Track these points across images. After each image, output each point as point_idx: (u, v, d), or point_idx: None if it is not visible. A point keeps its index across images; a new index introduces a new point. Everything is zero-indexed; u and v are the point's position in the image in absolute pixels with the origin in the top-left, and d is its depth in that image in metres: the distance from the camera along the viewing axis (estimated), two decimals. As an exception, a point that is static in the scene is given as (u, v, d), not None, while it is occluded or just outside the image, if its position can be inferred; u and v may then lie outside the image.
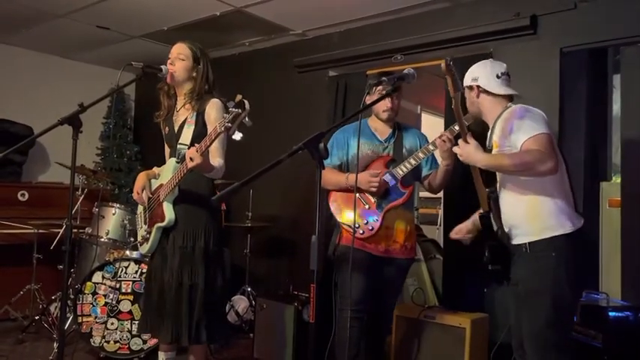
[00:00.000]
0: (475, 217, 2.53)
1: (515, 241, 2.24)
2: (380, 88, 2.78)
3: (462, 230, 2.61)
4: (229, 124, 2.21)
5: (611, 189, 3.30)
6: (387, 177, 2.87)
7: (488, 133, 2.41)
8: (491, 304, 3.40)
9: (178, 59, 2.70)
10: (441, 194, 3.71)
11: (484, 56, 3.53)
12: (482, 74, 2.41)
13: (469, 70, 2.50)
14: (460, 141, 2.17)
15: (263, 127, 4.99)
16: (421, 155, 2.84)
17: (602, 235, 3.13)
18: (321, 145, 1.71)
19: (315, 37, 4.72)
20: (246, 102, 2.26)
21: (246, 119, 2.26)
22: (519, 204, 2.23)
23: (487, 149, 2.34)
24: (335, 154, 3.00)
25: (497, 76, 2.40)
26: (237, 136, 2.29)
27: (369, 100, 2.77)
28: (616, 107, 3.54)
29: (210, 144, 2.37)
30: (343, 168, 3.02)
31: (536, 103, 3.35)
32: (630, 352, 2.45)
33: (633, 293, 2.93)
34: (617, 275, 3.09)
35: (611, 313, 2.47)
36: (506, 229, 2.27)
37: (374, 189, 2.83)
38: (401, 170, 2.86)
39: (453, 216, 3.35)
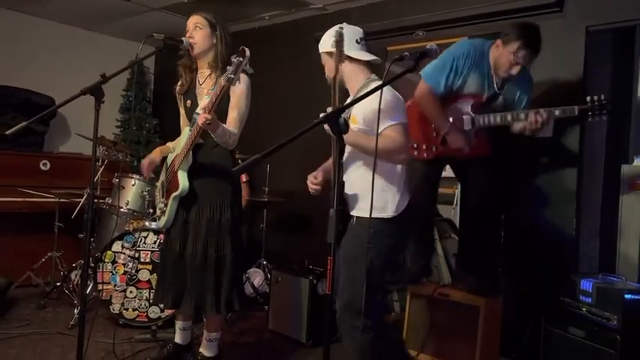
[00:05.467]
0: (326, 168, 2.53)
1: (352, 211, 2.32)
2: None
3: (318, 179, 2.50)
4: (232, 76, 2.29)
5: (633, 172, 3.24)
6: (466, 119, 2.89)
7: (348, 100, 2.38)
8: (505, 284, 3.40)
9: (196, 29, 2.72)
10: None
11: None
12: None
13: (326, 35, 2.45)
14: (329, 109, 2.19)
15: (282, 101, 5.02)
16: (509, 118, 2.83)
17: (621, 218, 3.10)
18: (341, 119, 1.70)
19: (336, 11, 4.67)
20: (246, 49, 2.34)
21: (247, 66, 2.34)
22: (358, 181, 2.30)
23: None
24: (445, 75, 2.87)
25: (357, 42, 2.36)
26: (241, 84, 2.39)
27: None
28: (641, 89, 3.47)
29: (217, 100, 2.40)
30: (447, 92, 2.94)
31: (560, 82, 3.34)
32: (645, 334, 2.45)
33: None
34: (635, 258, 3.06)
35: (627, 296, 2.46)
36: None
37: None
38: (483, 120, 2.87)
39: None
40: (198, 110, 2.57)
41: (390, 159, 2.29)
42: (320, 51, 2.48)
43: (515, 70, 2.82)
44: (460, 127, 2.91)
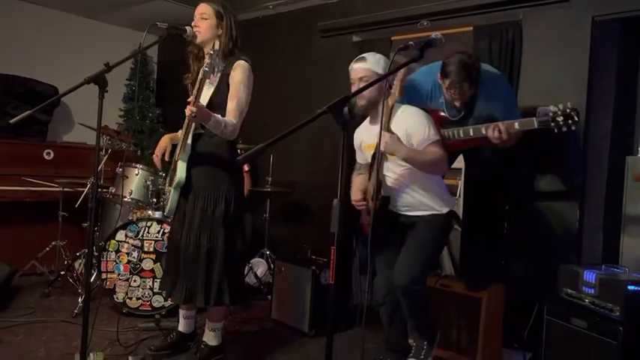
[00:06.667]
0: (359, 184, 2.85)
1: (413, 213, 2.74)
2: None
3: (359, 196, 2.83)
4: (206, 69, 2.43)
5: (637, 163, 3.23)
6: None
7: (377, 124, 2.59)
8: (508, 275, 3.40)
9: (201, 19, 2.71)
10: (462, 165, 3.68)
11: (513, 24, 3.47)
12: (387, 68, 2.59)
13: (375, 59, 2.64)
14: (385, 132, 2.52)
15: (286, 90, 5.00)
16: (471, 133, 2.77)
17: (625, 209, 3.09)
18: (346, 109, 1.70)
19: (340, 1, 4.64)
20: (216, 43, 2.57)
21: (217, 60, 2.49)
22: (418, 188, 2.70)
23: None
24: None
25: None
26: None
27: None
28: (647, 80, 3.44)
29: (199, 92, 2.45)
30: None
31: (564, 74, 3.32)
32: (648, 325, 2.44)
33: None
34: (639, 250, 3.06)
35: (630, 287, 2.45)
36: (400, 206, 2.74)
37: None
38: (448, 134, 2.86)
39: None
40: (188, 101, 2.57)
41: (435, 170, 2.69)
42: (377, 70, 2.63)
43: (457, 103, 2.78)
44: None
